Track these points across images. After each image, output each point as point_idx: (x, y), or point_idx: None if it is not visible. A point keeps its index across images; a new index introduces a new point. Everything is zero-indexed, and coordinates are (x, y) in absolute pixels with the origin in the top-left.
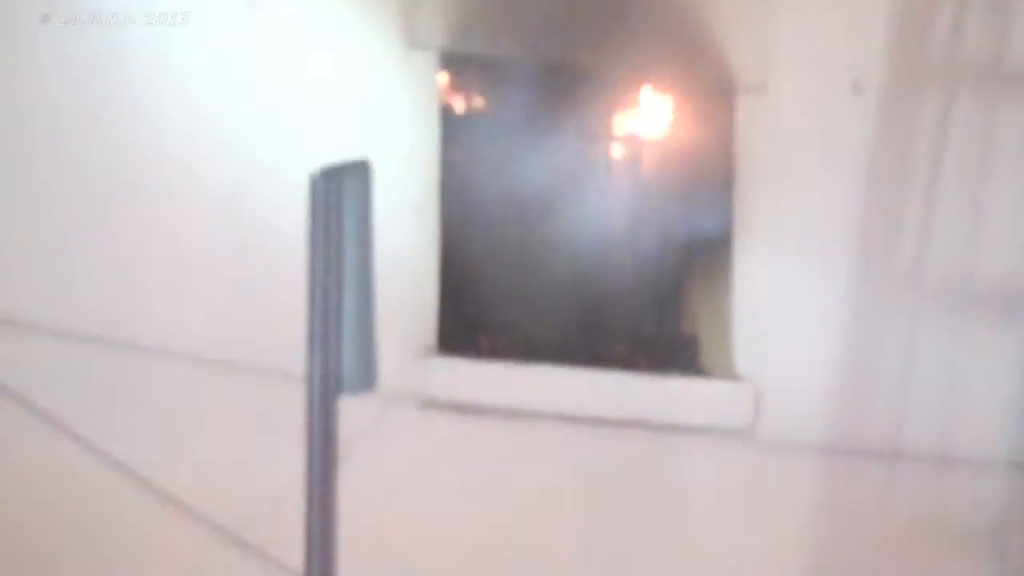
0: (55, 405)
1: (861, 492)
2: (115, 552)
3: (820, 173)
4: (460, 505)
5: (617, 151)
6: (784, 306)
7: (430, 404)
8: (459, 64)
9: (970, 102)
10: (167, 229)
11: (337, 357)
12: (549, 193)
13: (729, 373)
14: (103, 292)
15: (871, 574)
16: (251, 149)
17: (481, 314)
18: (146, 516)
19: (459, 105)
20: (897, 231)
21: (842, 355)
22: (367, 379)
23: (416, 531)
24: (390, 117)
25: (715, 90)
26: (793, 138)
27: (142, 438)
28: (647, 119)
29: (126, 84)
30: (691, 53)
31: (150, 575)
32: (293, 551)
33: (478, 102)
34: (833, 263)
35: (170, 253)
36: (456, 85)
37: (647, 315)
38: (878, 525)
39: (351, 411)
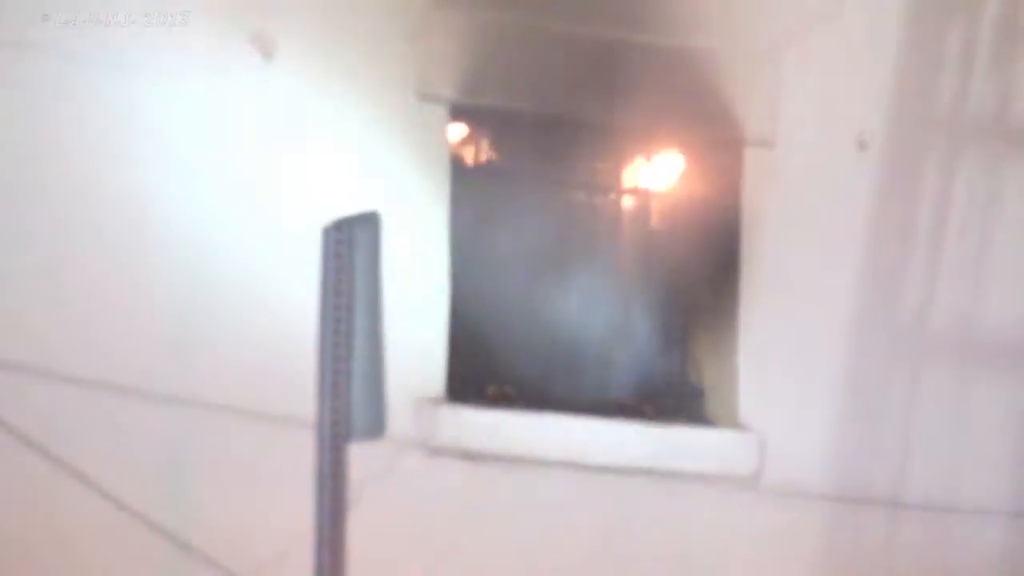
0: (66, 450)
1: (864, 540)
2: None
3: (825, 226)
4: (467, 552)
5: (626, 203)
6: (789, 356)
7: (438, 452)
8: (469, 116)
9: (973, 158)
10: (180, 280)
11: (346, 405)
12: (558, 244)
13: (734, 422)
14: (118, 340)
15: None
16: (261, 200)
17: (489, 363)
18: (155, 562)
19: (469, 156)
20: (901, 283)
21: (846, 404)
22: (376, 426)
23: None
24: (401, 169)
25: (723, 144)
26: (799, 191)
27: (153, 483)
28: (656, 172)
29: (140, 132)
30: (700, 108)
31: None
32: None
33: (488, 154)
34: (838, 314)
35: (181, 304)
36: (466, 137)
37: (654, 365)
38: (881, 574)
39: (360, 457)
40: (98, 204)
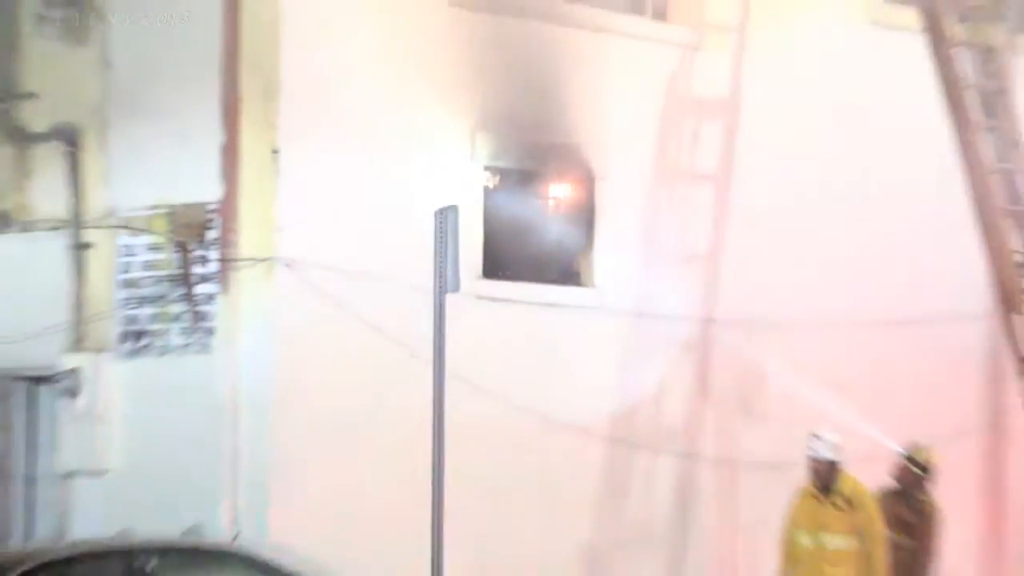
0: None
1: (646, 331)
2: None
3: (630, 216)
4: (495, 338)
5: (552, 203)
6: (614, 259)
7: (480, 298)
8: (492, 169)
9: (679, 185)
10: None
11: (444, 276)
12: (526, 217)
13: (591, 284)
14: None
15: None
16: (415, 203)
17: (500, 261)
18: (405, 370)
19: (492, 184)
20: (656, 233)
21: (637, 277)
22: (456, 286)
23: (476, 342)
24: (464, 188)
25: (587, 179)
26: (617, 201)
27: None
28: (565, 189)
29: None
30: (578, 167)
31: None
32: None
33: (500, 183)
34: (634, 243)
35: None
36: (490, 177)
37: (561, 262)
38: (651, 344)
39: (449, 301)
40: None
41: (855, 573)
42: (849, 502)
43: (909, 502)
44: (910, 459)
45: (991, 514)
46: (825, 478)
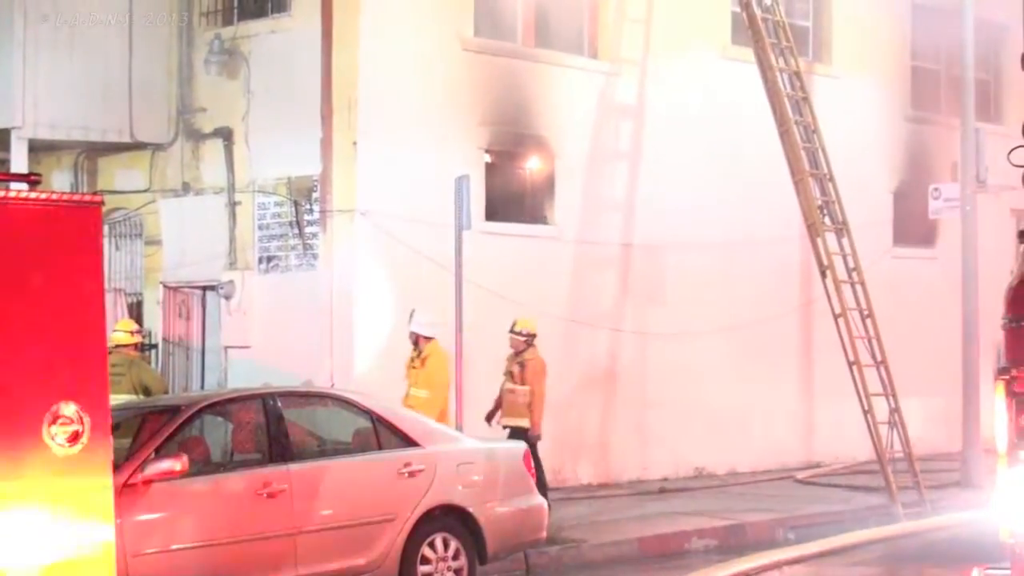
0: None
1: (586, 254)
2: None
3: (576, 180)
4: (490, 254)
5: (527, 171)
6: (566, 208)
7: (484, 233)
8: (490, 151)
9: (609, 162)
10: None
11: (462, 219)
12: (511, 181)
13: (554, 223)
14: None
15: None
16: (437, 178)
17: (495, 210)
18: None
19: (489, 160)
20: (592, 195)
21: (581, 221)
22: (469, 225)
23: (480, 260)
24: (471, 165)
25: (551, 156)
26: (568, 170)
27: None
28: (535, 163)
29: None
30: (547, 147)
31: None
32: None
33: (495, 159)
34: (578, 203)
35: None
36: (489, 156)
37: (533, 209)
38: (591, 260)
39: (465, 234)
40: None
41: (427, 410)
42: (423, 362)
43: (520, 360)
44: (513, 331)
45: (804, 359)
46: (415, 345)
